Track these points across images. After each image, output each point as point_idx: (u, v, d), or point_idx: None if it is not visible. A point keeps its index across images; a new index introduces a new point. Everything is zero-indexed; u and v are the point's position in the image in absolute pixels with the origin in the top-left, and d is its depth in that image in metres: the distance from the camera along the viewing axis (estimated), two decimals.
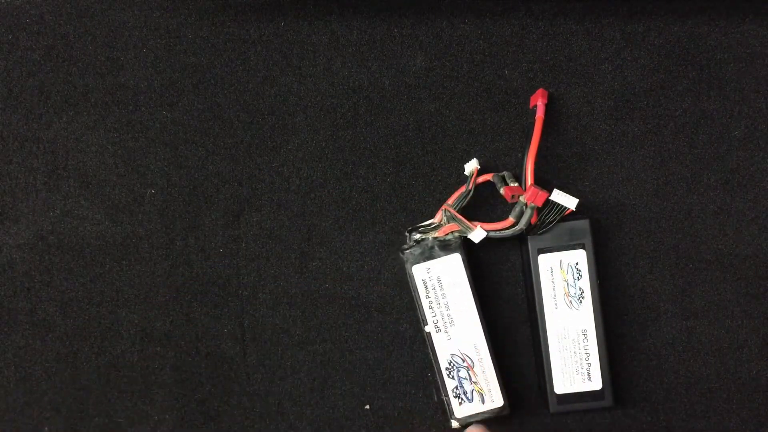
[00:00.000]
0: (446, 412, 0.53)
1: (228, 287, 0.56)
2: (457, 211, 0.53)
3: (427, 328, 0.53)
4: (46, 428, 0.57)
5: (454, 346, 0.53)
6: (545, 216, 0.52)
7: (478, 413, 0.53)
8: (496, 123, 0.56)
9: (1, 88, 0.57)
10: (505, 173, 0.54)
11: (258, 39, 0.56)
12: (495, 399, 0.53)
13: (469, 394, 0.53)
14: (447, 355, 0.53)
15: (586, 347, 0.53)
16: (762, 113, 0.55)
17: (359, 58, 0.56)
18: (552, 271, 0.53)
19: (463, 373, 0.53)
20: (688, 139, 0.56)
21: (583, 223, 0.53)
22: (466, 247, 0.53)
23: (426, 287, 0.53)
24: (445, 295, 0.53)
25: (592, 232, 0.53)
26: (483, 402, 0.53)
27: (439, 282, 0.52)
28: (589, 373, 0.53)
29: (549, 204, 0.52)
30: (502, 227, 0.52)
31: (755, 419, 0.56)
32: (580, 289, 0.53)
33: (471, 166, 0.54)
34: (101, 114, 0.57)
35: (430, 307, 0.53)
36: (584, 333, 0.53)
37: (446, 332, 0.53)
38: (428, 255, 0.53)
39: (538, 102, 0.53)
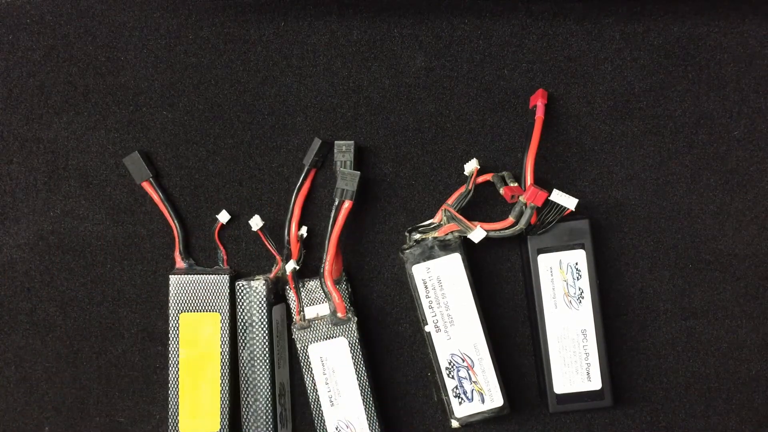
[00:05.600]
0: (446, 412, 0.53)
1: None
2: (457, 211, 0.53)
3: (427, 328, 0.53)
4: (47, 428, 0.57)
5: (454, 346, 0.53)
6: (545, 216, 0.52)
7: (478, 413, 0.53)
8: (496, 123, 0.56)
9: (2, 88, 0.57)
10: (505, 173, 0.54)
11: (258, 39, 0.56)
12: (495, 399, 0.53)
13: (469, 394, 0.53)
14: (447, 355, 0.53)
15: (585, 347, 0.53)
16: (761, 113, 0.55)
17: (359, 58, 0.56)
18: (552, 271, 0.53)
19: (463, 372, 0.53)
20: (687, 139, 0.56)
21: (583, 223, 0.53)
22: (466, 247, 0.53)
23: (426, 287, 0.53)
24: (445, 295, 0.53)
25: (592, 232, 0.53)
26: (483, 402, 0.53)
27: (439, 282, 0.53)
28: (588, 373, 0.53)
29: (549, 204, 0.52)
30: (501, 227, 0.52)
31: (755, 419, 0.56)
32: (579, 289, 0.53)
33: (471, 166, 0.54)
34: (101, 114, 0.57)
35: (430, 307, 0.53)
36: (584, 333, 0.53)
37: (446, 332, 0.53)
38: (428, 255, 0.53)
39: (538, 102, 0.54)
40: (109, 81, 0.57)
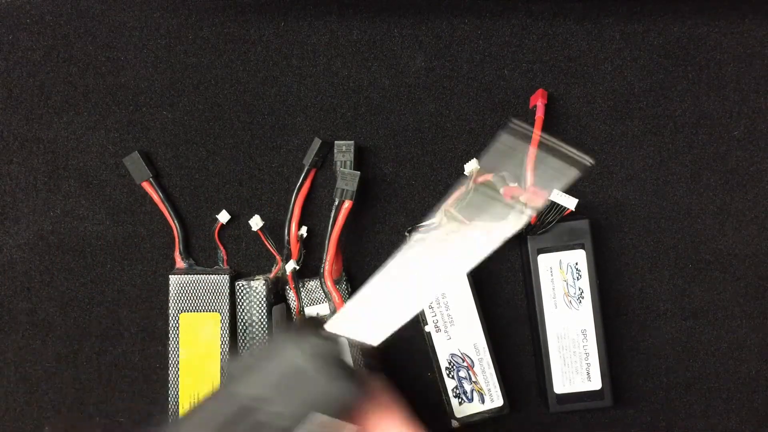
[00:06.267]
0: (446, 412, 0.53)
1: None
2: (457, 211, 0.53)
3: (427, 328, 0.53)
4: (47, 428, 0.57)
5: (454, 346, 0.53)
6: (545, 216, 0.52)
7: (477, 413, 0.53)
8: (496, 123, 0.56)
9: (2, 89, 0.57)
10: (505, 173, 0.54)
11: (258, 39, 0.56)
12: (495, 399, 0.53)
13: (469, 394, 0.53)
14: (447, 355, 0.53)
15: (585, 347, 0.53)
16: (761, 113, 0.55)
17: (359, 58, 0.56)
18: (552, 271, 0.53)
19: (463, 372, 0.53)
20: (687, 139, 0.56)
21: (583, 223, 0.53)
22: None
23: None
24: (445, 295, 0.53)
25: (592, 232, 0.53)
26: (483, 402, 0.53)
27: None
28: (588, 373, 0.53)
29: (548, 204, 0.52)
30: None
31: (755, 419, 0.56)
32: (579, 289, 0.53)
33: (471, 166, 0.54)
34: (101, 114, 0.57)
35: (430, 307, 0.53)
36: (584, 333, 0.53)
37: (446, 332, 0.53)
38: None
39: (538, 102, 0.54)
40: (109, 81, 0.57)
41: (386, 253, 0.56)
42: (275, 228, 0.56)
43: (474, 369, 0.53)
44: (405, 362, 0.56)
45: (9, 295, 0.57)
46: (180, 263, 0.56)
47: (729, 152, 0.56)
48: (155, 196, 0.55)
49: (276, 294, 0.55)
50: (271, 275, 0.55)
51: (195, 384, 0.53)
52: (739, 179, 0.56)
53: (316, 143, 0.55)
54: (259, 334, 0.53)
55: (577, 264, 0.53)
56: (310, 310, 0.55)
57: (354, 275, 0.56)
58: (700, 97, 0.55)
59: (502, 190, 0.53)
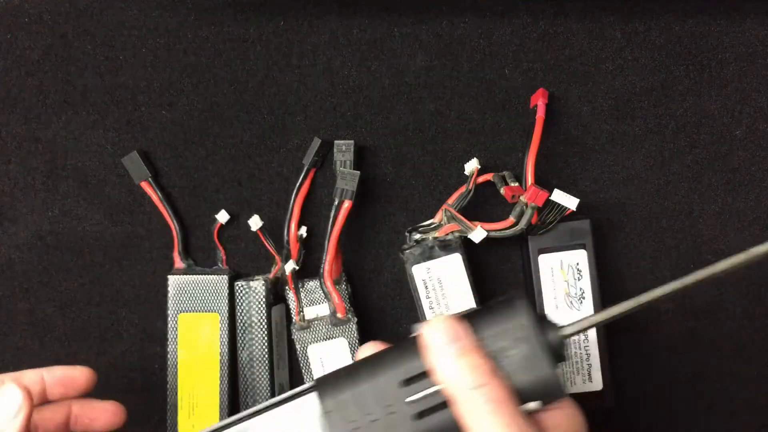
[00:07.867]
0: None
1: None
2: (458, 211, 0.53)
3: None
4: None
5: None
6: (546, 216, 0.52)
7: None
8: (496, 123, 0.56)
9: (0, 88, 0.56)
10: (506, 173, 0.54)
11: (258, 39, 0.56)
12: None
13: None
14: None
15: (586, 348, 0.53)
16: (763, 113, 0.55)
17: (359, 58, 0.56)
18: (552, 272, 0.52)
19: None
20: (689, 139, 0.55)
21: (584, 223, 0.52)
22: (466, 247, 0.53)
23: (426, 287, 0.52)
24: (446, 295, 0.52)
25: (593, 233, 0.53)
26: None
27: (440, 282, 0.52)
28: (589, 374, 0.53)
29: (549, 204, 0.52)
30: (502, 227, 0.52)
31: (756, 420, 0.56)
32: (580, 289, 0.52)
33: (471, 165, 0.54)
34: (100, 114, 0.56)
35: (431, 307, 0.52)
36: (585, 333, 0.53)
37: None
38: (428, 255, 0.52)
39: (539, 102, 0.53)
40: (108, 80, 0.56)
41: (386, 253, 0.56)
42: (275, 228, 0.55)
43: None
44: None
45: (7, 296, 0.57)
46: (179, 263, 0.56)
47: (731, 152, 0.55)
48: (154, 196, 0.55)
49: (275, 294, 0.55)
50: (271, 275, 0.55)
51: (194, 385, 0.53)
52: (741, 179, 0.55)
53: (316, 143, 0.54)
54: (259, 335, 0.53)
55: (578, 264, 0.52)
56: (310, 311, 0.55)
57: (354, 275, 0.56)
58: (702, 97, 0.55)
59: (502, 190, 0.53)
